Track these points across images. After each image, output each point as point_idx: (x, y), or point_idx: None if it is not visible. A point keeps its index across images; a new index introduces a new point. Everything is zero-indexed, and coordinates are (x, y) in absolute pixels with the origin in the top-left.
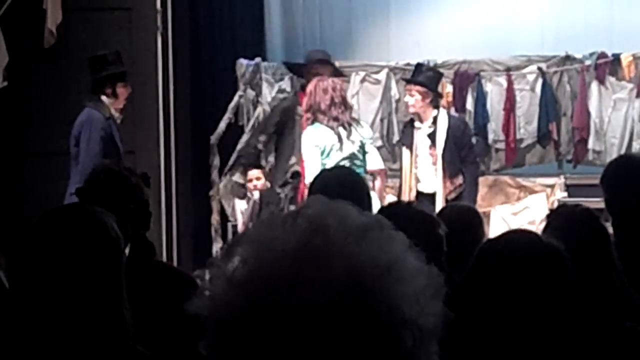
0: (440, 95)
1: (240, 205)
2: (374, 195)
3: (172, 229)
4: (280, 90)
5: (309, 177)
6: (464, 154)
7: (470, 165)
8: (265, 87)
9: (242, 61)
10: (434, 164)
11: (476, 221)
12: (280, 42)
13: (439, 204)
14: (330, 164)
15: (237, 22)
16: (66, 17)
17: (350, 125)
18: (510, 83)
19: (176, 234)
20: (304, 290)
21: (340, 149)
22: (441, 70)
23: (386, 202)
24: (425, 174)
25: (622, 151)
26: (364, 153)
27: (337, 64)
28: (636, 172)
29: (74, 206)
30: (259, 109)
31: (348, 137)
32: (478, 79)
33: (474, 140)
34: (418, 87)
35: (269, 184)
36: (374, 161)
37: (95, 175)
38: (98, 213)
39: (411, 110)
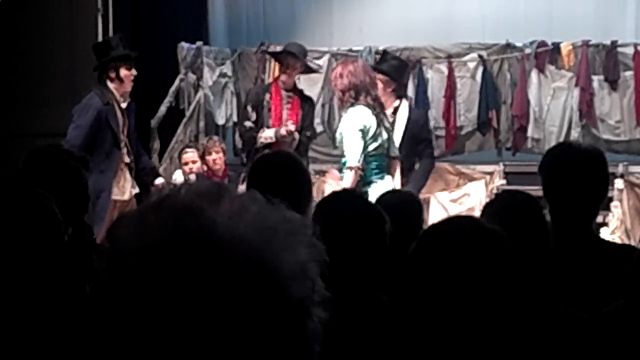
0: (403, 85)
1: None
2: (390, 179)
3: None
4: (222, 75)
5: (352, 160)
6: (421, 148)
7: (426, 159)
8: (206, 71)
9: (183, 45)
10: None
11: (416, 208)
12: (222, 27)
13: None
14: (369, 147)
15: (179, 6)
16: None
17: (383, 107)
18: (451, 70)
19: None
20: (188, 268)
21: (381, 132)
22: None
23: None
24: None
25: (561, 139)
26: (391, 140)
27: (278, 49)
28: (574, 160)
29: (16, 188)
30: (200, 93)
31: (383, 122)
32: (419, 66)
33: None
34: (380, 75)
35: (205, 167)
36: (396, 148)
37: (34, 157)
38: (39, 195)
39: None
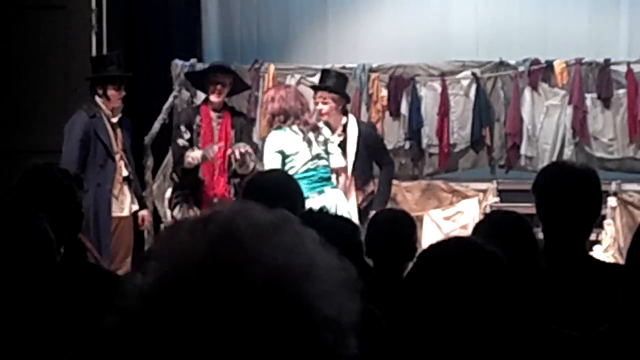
0: (348, 101)
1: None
2: (339, 192)
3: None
4: None
5: None
6: (379, 158)
7: (387, 166)
8: None
9: (177, 62)
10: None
11: (410, 225)
12: (216, 44)
13: (354, 215)
14: (296, 166)
15: (174, 23)
16: (0, 14)
17: (317, 128)
18: (444, 88)
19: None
20: (218, 301)
21: (309, 151)
22: (376, 74)
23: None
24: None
25: (554, 157)
26: (328, 152)
27: (272, 66)
28: (567, 179)
29: (7, 207)
30: None
31: (316, 139)
32: (413, 84)
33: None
34: (331, 94)
35: None
36: (337, 160)
37: (27, 175)
38: (32, 214)
39: (324, 118)
